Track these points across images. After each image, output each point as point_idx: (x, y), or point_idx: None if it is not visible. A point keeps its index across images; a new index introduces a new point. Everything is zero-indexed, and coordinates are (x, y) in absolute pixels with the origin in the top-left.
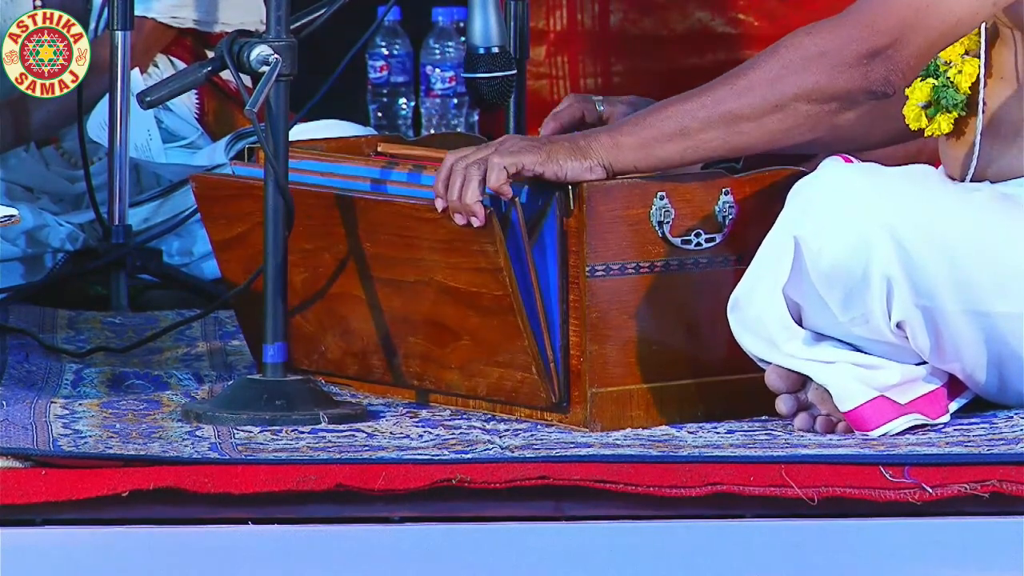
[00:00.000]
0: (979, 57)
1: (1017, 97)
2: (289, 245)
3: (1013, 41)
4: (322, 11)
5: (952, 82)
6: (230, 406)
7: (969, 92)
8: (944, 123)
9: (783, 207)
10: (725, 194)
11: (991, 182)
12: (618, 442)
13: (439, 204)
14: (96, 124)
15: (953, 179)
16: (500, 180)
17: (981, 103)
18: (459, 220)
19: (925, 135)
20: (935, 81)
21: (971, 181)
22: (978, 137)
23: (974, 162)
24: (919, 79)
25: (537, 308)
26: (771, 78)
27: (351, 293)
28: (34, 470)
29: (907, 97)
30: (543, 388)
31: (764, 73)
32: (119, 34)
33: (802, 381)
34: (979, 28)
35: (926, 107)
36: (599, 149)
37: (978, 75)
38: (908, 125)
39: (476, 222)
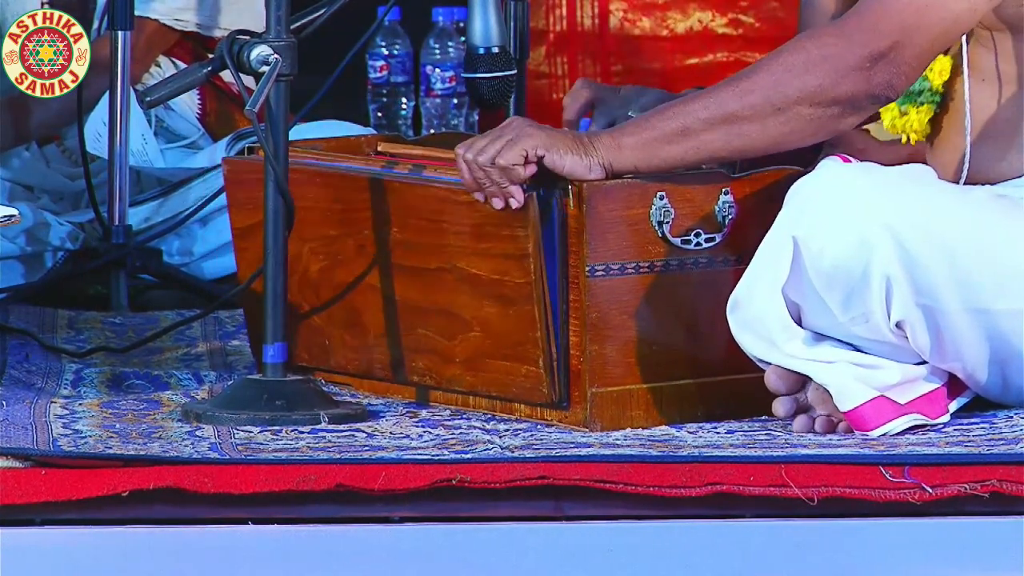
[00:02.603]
0: (959, 57)
1: (998, 98)
2: (312, 232)
3: (992, 42)
4: (322, 11)
5: (923, 76)
6: (230, 406)
7: (942, 90)
8: (916, 119)
9: (782, 207)
10: (725, 194)
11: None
12: (618, 442)
13: (479, 196)
14: (91, 136)
15: None
16: (524, 175)
17: (967, 106)
18: (497, 204)
19: (905, 138)
20: None
21: (964, 184)
22: (967, 142)
23: (965, 169)
24: None
25: (545, 303)
26: (773, 81)
27: (367, 282)
28: (34, 470)
29: None
30: (546, 383)
31: (767, 76)
32: (119, 34)
33: (802, 382)
34: None
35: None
36: (601, 148)
37: (951, 73)
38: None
39: (515, 203)
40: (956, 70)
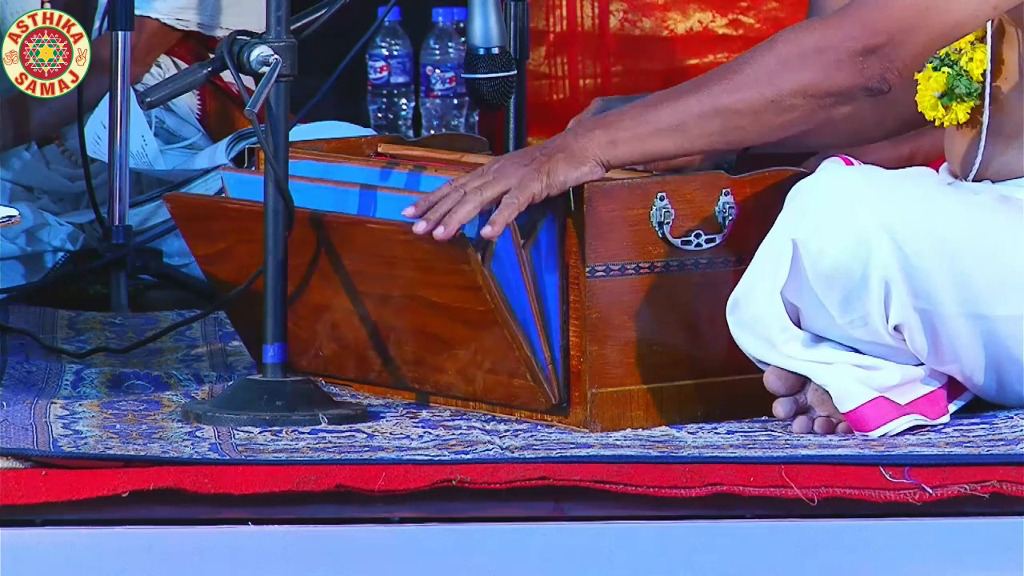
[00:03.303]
0: (986, 43)
1: (1020, 95)
2: None
3: (1017, 38)
4: (322, 11)
5: (965, 71)
6: (230, 406)
7: (981, 79)
8: (961, 112)
9: (783, 208)
10: (725, 195)
11: (992, 181)
12: (618, 442)
13: (409, 211)
14: (91, 139)
15: (956, 175)
16: (511, 218)
17: (987, 99)
18: (418, 228)
19: (943, 125)
20: (949, 70)
21: (974, 178)
22: (984, 134)
23: (978, 159)
24: (932, 68)
25: (532, 312)
26: (767, 73)
27: (341, 305)
28: (34, 470)
29: (916, 88)
30: (540, 393)
31: (760, 68)
32: (119, 34)
33: (801, 383)
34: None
35: (941, 96)
36: (595, 148)
37: (987, 64)
38: (923, 114)
39: (441, 233)
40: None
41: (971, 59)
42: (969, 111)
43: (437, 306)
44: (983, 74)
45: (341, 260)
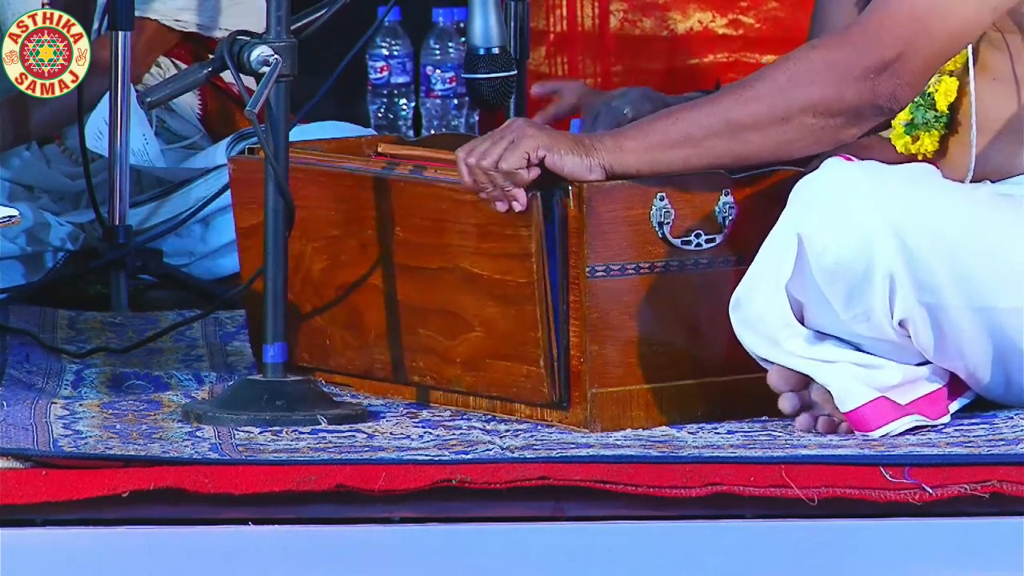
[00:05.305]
0: (962, 74)
1: (1010, 96)
2: (316, 232)
3: (1005, 44)
4: (322, 11)
5: (931, 99)
6: (230, 406)
7: (947, 112)
8: (928, 141)
9: (784, 207)
10: (725, 195)
11: (991, 181)
12: (618, 442)
13: (483, 195)
14: (92, 134)
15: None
16: (528, 179)
17: (972, 107)
18: (501, 207)
19: (919, 157)
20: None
21: (971, 182)
22: (973, 140)
23: (972, 164)
24: None
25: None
26: (778, 89)
27: (369, 282)
28: (34, 470)
29: None
30: (547, 383)
31: (771, 84)
32: (119, 34)
33: (805, 381)
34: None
35: (907, 126)
36: (602, 150)
37: (956, 95)
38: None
39: (518, 206)
40: (964, 81)
41: (937, 90)
42: (937, 141)
43: (475, 279)
44: (949, 106)
45: (390, 227)
